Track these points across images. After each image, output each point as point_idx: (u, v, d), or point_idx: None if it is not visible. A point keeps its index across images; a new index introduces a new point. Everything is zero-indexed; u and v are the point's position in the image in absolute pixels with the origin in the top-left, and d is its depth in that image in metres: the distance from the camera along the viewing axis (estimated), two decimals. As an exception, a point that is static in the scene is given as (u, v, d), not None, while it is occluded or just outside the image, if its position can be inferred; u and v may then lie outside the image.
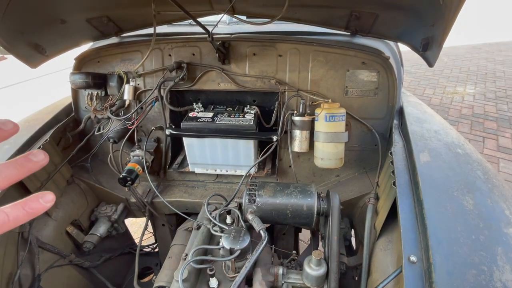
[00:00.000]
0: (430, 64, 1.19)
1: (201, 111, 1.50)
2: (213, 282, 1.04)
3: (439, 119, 1.40)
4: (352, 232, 1.50)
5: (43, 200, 0.35)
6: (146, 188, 1.57)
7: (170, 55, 1.49)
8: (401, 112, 1.42)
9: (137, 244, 1.50)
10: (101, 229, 1.46)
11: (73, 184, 1.48)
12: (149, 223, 1.65)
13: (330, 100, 1.37)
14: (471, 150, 1.15)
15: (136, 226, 2.56)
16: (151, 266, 1.81)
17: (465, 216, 0.83)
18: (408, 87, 5.52)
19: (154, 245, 1.90)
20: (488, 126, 4.15)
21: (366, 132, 1.46)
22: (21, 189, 1.20)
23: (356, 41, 1.45)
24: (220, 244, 1.05)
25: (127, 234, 1.83)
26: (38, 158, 0.37)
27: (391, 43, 1.64)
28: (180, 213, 1.35)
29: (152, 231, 1.79)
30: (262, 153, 1.39)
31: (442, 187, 0.93)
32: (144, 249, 1.92)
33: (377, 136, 1.42)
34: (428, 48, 1.17)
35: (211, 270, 1.01)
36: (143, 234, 1.49)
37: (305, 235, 2.45)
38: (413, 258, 0.77)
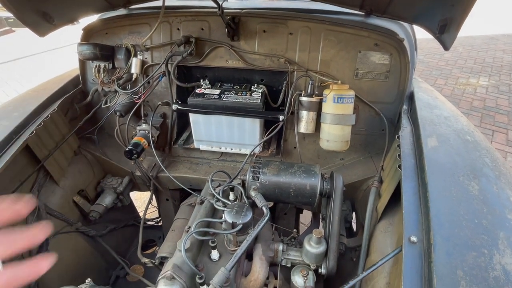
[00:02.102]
0: (446, 47, 1.15)
1: (208, 88, 1.48)
2: (215, 254, 1.06)
3: (450, 106, 1.37)
4: (354, 215, 1.51)
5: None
6: (151, 162, 1.58)
7: (178, 29, 1.46)
8: (411, 98, 1.39)
9: (142, 217, 1.54)
10: (107, 200, 1.49)
11: (80, 155, 1.50)
12: (154, 197, 1.68)
13: (339, 82, 1.35)
14: (481, 138, 1.13)
15: (141, 202, 2.62)
16: (154, 239, 1.86)
17: (469, 201, 0.83)
18: (419, 76, 5.38)
19: (158, 219, 1.95)
20: (499, 119, 4.06)
21: (374, 116, 1.43)
22: (30, 156, 1.23)
23: (370, 21, 1.40)
24: (223, 218, 1.07)
25: (131, 207, 1.87)
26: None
27: (406, 25, 1.58)
28: (185, 188, 1.36)
29: (156, 205, 1.83)
30: (268, 132, 1.38)
31: (448, 172, 0.92)
32: (148, 223, 1.96)
33: (385, 120, 1.40)
34: (445, 30, 1.13)
35: (213, 242, 1.03)
36: (147, 207, 1.52)
37: (306, 219, 2.48)
38: (413, 239, 0.77)
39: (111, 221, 1.66)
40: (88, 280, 0.89)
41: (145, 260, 1.25)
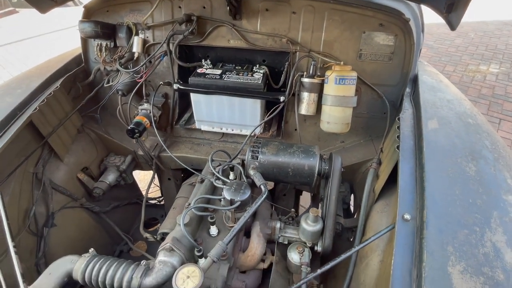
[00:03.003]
0: (453, 27, 1.13)
1: (209, 68, 1.47)
2: (213, 230, 1.10)
3: (454, 89, 1.35)
4: (352, 198, 1.53)
5: None
6: (154, 142, 1.60)
7: (180, 7, 1.44)
8: (415, 81, 1.37)
9: (144, 195, 1.57)
10: (110, 177, 1.53)
11: (83, 133, 1.52)
12: (156, 176, 1.72)
13: (342, 63, 1.33)
14: (483, 121, 1.12)
15: (144, 183, 2.66)
16: (156, 217, 1.91)
17: (465, 181, 0.83)
18: (428, 62, 5.24)
19: (160, 198, 1.99)
20: (507, 108, 3.98)
21: (376, 99, 1.42)
22: (34, 133, 1.25)
23: (376, 0, 1.36)
24: (222, 195, 1.10)
25: (134, 185, 1.91)
26: None
27: (414, 5, 1.53)
28: (186, 167, 1.39)
29: (158, 184, 1.86)
30: (269, 113, 1.38)
31: (447, 153, 0.92)
32: (150, 201, 2.01)
33: (387, 103, 1.38)
34: (452, 9, 1.10)
35: (211, 218, 1.06)
36: (150, 185, 1.55)
37: (305, 202, 2.52)
38: (407, 216, 0.79)
39: (114, 199, 1.71)
40: (92, 249, 0.92)
41: (147, 235, 1.30)
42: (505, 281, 0.63)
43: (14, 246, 0.78)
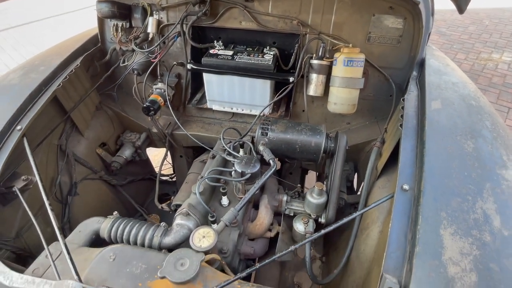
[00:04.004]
0: (461, 10, 1.15)
1: (221, 49, 1.52)
2: (225, 200, 1.18)
3: (460, 73, 1.38)
4: (356, 177, 1.60)
5: None
6: (167, 121, 1.68)
7: None
8: (422, 64, 1.40)
9: (157, 171, 1.66)
10: (127, 152, 1.62)
11: (101, 110, 1.61)
12: (168, 154, 1.80)
13: (350, 45, 1.36)
14: (485, 104, 1.16)
15: (156, 162, 2.76)
16: (169, 193, 2.01)
17: (462, 157, 0.89)
18: (439, 49, 5.16)
19: (172, 175, 2.09)
20: (517, 97, 3.94)
21: (383, 81, 1.46)
22: (58, 107, 1.33)
23: None
24: (233, 169, 1.17)
25: (148, 162, 2.01)
26: None
27: (424, -12, 1.54)
28: (199, 143, 1.46)
29: (171, 162, 1.95)
30: (278, 93, 1.44)
31: (447, 132, 0.97)
32: (163, 178, 2.11)
33: (393, 86, 1.42)
34: None
35: (223, 189, 1.14)
36: (163, 160, 1.64)
37: (310, 184, 2.59)
38: (405, 187, 0.85)
39: (130, 174, 1.81)
40: (115, 212, 1.02)
41: (163, 205, 1.39)
42: (491, 242, 0.70)
43: (50, 204, 0.87)
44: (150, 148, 2.24)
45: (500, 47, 5.28)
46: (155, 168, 2.13)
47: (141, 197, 1.92)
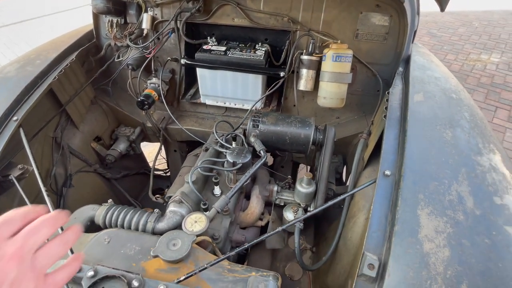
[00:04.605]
0: (442, 7, 1.21)
1: (214, 45, 1.56)
2: (217, 190, 1.22)
3: (443, 69, 1.44)
4: (344, 170, 1.65)
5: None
6: (161, 115, 1.71)
7: None
8: (407, 61, 1.46)
9: (151, 165, 1.69)
10: (121, 146, 1.65)
11: (96, 104, 1.63)
12: (163, 149, 1.84)
13: (339, 41, 1.42)
14: (466, 97, 1.22)
15: (151, 157, 2.79)
16: (163, 187, 2.04)
17: (441, 144, 0.94)
18: (430, 50, 5.26)
19: (167, 171, 2.12)
20: (504, 96, 4.05)
21: (371, 77, 1.52)
22: (53, 100, 1.36)
23: None
24: (225, 159, 1.21)
25: (142, 157, 2.03)
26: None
27: (410, -13, 1.60)
28: (193, 136, 1.50)
29: (165, 156, 1.98)
30: (270, 88, 1.49)
31: (428, 122, 1.03)
32: (157, 172, 2.14)
33: (380, 81, 1.48)
34: None
35: (215, 179, 1.18)
36: (158, 154, 1.68)
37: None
38: (387, 172, 0.90)
39: (124, 168, 1.83)
40: (110, 200, 1.05)
41: (156, 196, 1.42)
42: (464, 221, 0.75)
43: (46, 190, 0.90)
44: (146, 144, 2.27)
45: (489, 49, 5.42)
46: (149, 163, 2.16)
47: (135, 191, 1.94)
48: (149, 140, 1.84)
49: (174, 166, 1.91)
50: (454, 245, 0.71)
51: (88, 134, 1.54)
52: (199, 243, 0.89)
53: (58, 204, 1.36)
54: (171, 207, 1.04)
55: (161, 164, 2.27)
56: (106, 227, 0.99)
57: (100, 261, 0.78)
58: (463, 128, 1.02)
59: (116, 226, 0.97)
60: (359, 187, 0.97)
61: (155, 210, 1.00)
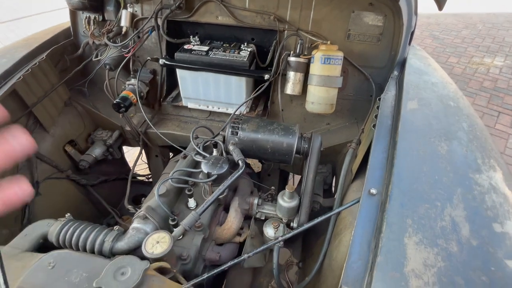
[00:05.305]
0: (440, 6, 1.10)
1: (197, 45, 1.46)
2: (191, 202, 1.12)
3: (442, 73, 1.33)
4: (334, 180, 1.54)
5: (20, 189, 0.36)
6: (141, 118, 1.61)
7: None
8: (403, 64, 1.36)
9: (131, 170, 1.59)
10: (97, 151, 1.55)
11: (70, 106, 1.53)
12: (144, 154, 1.74)
13: (328, 42, 1.31)
14: (465, 105, 1.11)
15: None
16: (145, 194, 1.94)
17: (434, 160, 0.84)
18: (431, 53, 5.16)
19: (149, 176, 2.02)
20: (508, 101, 3.93)
21: (363, 81, 1.41)
22: (19, 102, 1.26)
23: None
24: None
25: (123, 161, 1.93)
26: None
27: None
28: (172, 144, 1.40)
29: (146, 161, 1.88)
30: (254, 92, 1.38)
31: (421, 133, 0.92)
32: (139, 178, 2.04)
33: (373, 86, 1.37)
34: None
35: (189, 191, 1.08)
36: (137, 160, 1.57)
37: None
38: (373, 191, 0.80)
39: (103, 174, 1.73)
40: (68, 214, 0.95)
41: (130, 206, 1.32)
42: (458, 253, 0.64)
43: None
44: (131, 148, 2.17)
45: (492, 52, 5.29)
46: (131, 168, 2.06)
47: (116, 197, 1.85)
48: (129, 145, 1.74)
49: (156, 172, 1.81)
50: (446, 284, 0.60)
51: (60, 138, 1.44)
52: (162, 269, 0.79)
53: (23, 214, 1.26)
54: (135, 224, 0.94)
55: (144, 169, 2.18)
56: (60, 246, 0.89)
57: (39, 291, 0.68)
58: (461, 140, 0.92)
59: (70, 245, 0.87)
60: (343, 206, 0.86)
61: (115, 227, 0.90)
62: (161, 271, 0.80)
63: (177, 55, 1.39)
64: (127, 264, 0.68)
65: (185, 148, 1.39)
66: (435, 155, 0.85)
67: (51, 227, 0.90)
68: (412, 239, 0.67)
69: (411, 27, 1.41)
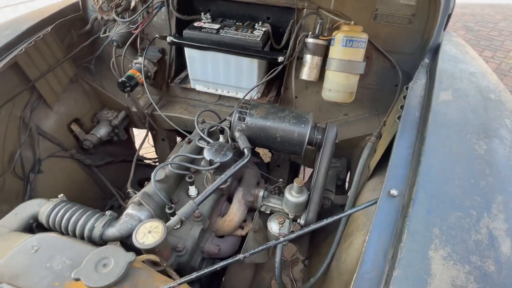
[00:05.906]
0: None
1: (207, 22, 1.36)
2: (192, 190, 1.05)
3: (481, 62, 1.17)
4: (349, 175, 1.43)
5: None
6: (148, 100, 1.54)
7: None
8: (436, 51, 1.20)
9: (139, 154, 1.54)
10: (102, 131, 1.50)
11: (76, 83, 1.48)
12: (151, 136, 1.68)
13: (352, 22, 1.17)
14: (508, 99, 0.96)
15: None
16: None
17: (470, 160, 0.71)
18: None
19: (156, 160, 1.97)
20: (546, 101, 3.59)
21: (388, 68, 1.27)
22: (22, 76, 1.22)
23: None
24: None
25: (131, 143, 1.89)
26: None
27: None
28: (177, 128, 1.33)
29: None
30: (266, 75, 1.28)
31: (455, 128, 0.80)
32: (146, 161, 2.00)
33: (400, 74, 1.23)
34: None
35: (189, 178, 1.00)
36: (142, 143, 1.53)
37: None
38: (393, 192, 0.69)
39: (109, 155, 1.70)
40: (61, 195, 0.90)
41: (131, 190, 1.27)
42: (496, 274, 0.53)
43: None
44: (143, 131, 2.13)
45: (532, 46, 4.85)
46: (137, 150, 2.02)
47: (121, 179, 1.81)
48: (136, 126, 1.69)
49: (163, 155, 1.76)
50: (478, 310, 0.50)
51: (65, 116, 1.40)
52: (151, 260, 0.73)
53: (25, 190, 1.24)
54: (129, 210, 0.88)
55: (152, 152, 2.13)
56: (50, 228, 0.84)
57: (17, 276, 0.63)
58: (502, 139, 0.78)
59: (60, 228, 0.82)
60: (357, 207, 0.76)
61: (107, 212, 0.84)
62: (152, 263, 0.74)
63: (186, 32, 1.29)
64: (110, 255, 0.62)
65: (191, 133, 1.32)
66: (472, 155, 0.72)
67: (42, 208, 0.85)
68: (439, 253, 0.56)
69: (448, 9, 1.24)
